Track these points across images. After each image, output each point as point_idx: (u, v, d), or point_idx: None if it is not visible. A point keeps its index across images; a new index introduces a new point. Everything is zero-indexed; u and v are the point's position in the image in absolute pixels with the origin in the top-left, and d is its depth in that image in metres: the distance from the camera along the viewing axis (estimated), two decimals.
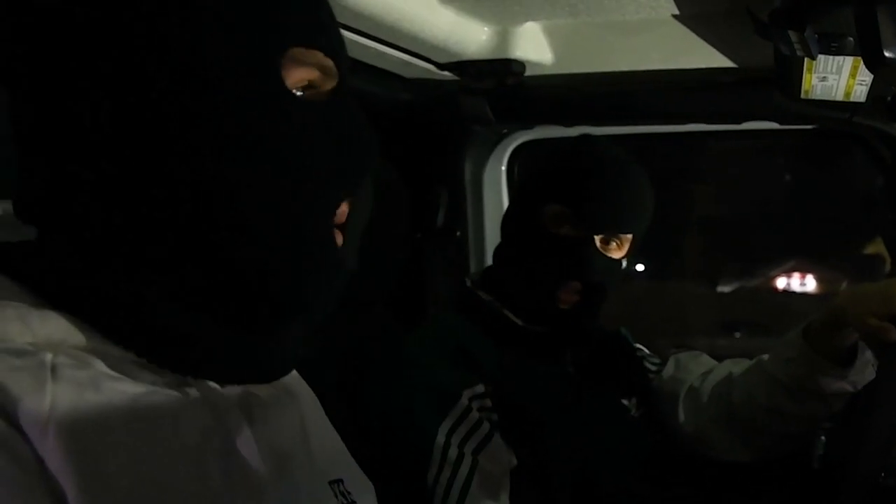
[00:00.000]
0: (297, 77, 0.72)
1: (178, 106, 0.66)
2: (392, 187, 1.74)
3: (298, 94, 0.72)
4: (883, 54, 1.06)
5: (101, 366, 0.66)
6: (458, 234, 2.12)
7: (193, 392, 0.70)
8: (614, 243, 1.52)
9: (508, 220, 1.62)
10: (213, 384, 0.72)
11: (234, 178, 0.68)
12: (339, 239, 0.77)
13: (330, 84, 0.75)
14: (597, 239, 1.50)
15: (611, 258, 1.52)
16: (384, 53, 1.66)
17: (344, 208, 0.77)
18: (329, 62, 0.74)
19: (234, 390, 0.75)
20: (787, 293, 4.27)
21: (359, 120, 0.77)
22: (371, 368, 1.53)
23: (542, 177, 1.57)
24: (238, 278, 0.71)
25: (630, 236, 1.53)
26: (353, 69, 1.71)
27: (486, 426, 1.41)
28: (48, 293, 0.67)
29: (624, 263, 1.55)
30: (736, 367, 1.63)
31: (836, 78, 1.49)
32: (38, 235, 0.70)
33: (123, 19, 0.66)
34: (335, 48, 0.74)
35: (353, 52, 1.62)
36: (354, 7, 1.41)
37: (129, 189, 0.67)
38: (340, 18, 1.44)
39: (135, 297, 0.68)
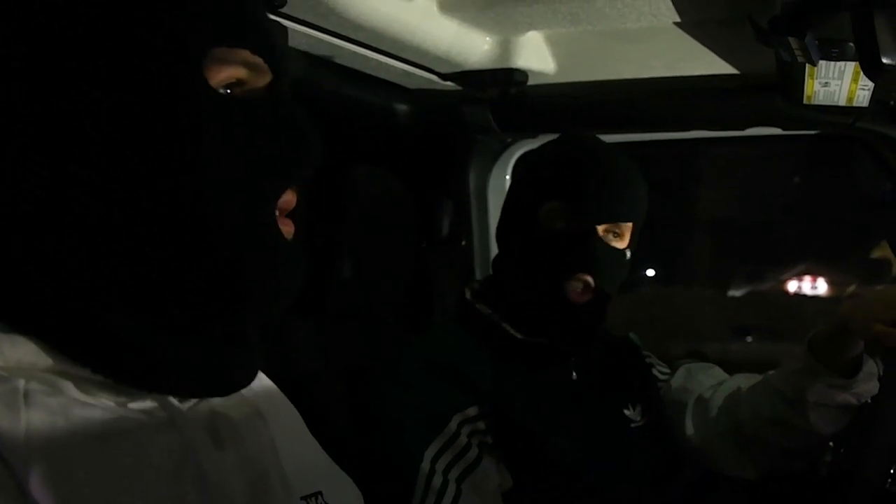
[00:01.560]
0: (224, 76, 0.73)
1: (140, 105, 0.68)
2: (397, 198, 1.75)
3: (225, 91, 0.73)
4: (881, 61, 1.06)
5: (70, 390, 0.67)
6: (463, 243, 2.12)
7: (160, 414, 0.71)
8: (615, 234, 1.52)
9: (504, 230, 1.61)
10: (179, 405, 0.73)
11: (175, 174, 0.70)
12: (289, 229, 0.78)
13: (263, 80, 0.77)
14: (598, 230, 1.49)
15: (616, 248, 1.51)
16: (386, 64, 1.67)
17: (290, 197, 0.79)
18: (257, 59, 0.75)
19: (201, 412, 0.75)
20: (798, 296, 4.25)
21: (295, 114, 0.78)
22: (369, 384, 1.53)
23: (533, 177, 1.58)
24: (194, 273, 0.72)
25: (629, 225, 1.53)
26: (356, 80, 1.73)
27: (473, 452, 1.41)
28: (15, 318, 0.68)
29: (628, 254, 1.54)
30: (746, 381, 1.62)
31: (839, 83, 1.48)
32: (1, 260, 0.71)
33: (82, 17, 0.68)
34: (263, 45, 0.75)
35: (355, 64, 1.66)
36: (356, 19, 1.42)
37: (124, 188, 0.69)
38: (342, 30, 1.47)
39: (94, 313, 0.69)
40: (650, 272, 4.27)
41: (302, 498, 0.86)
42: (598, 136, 1.61)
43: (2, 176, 0.68)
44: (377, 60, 1.64)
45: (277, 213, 0.77)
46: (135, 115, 0.68)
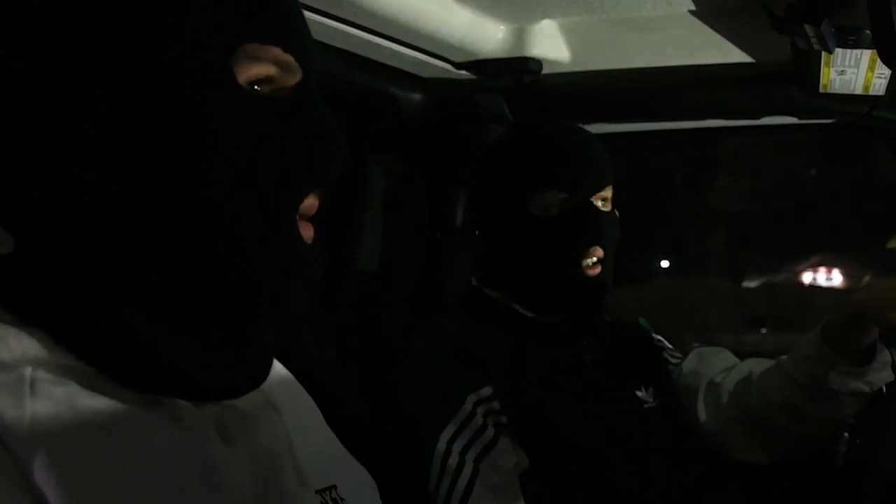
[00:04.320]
0: (253, 73, 0.72)
1: (143, 105, 0.67)
2: (411, 187, 1.75)
3: (254, 89, 0.72)
4: None
5: (75, 384, 0.66)
6: (476, 233, 2.12)
7: (166, 411, 0.70)
8: (603, 201, 1.54)
9: (493, 227, 1.60)
10: (185, 403, 0.72)
11: (194, 173, 0.69)
12: (310, 233, 0.77)
13: (293, 80, 0.76)
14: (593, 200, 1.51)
15: (611, 213, 1.54)
16: (400, 53, 1.67)
17: (313, 201, 0.77)
18: (288, 58, 0.74)
19: (208, 407, 0.74)
20: (813, 288, 4.23)
21: (323, 115, 0.77)
22: (381, 369, 1.53)
23: (506, 175, 1.56)
24: (205, 276, 0.71)
25: (611, 188, 1.55)
26: (370, 69, 1.73)
27: (490, 432, 1.41)
28: (23, 310, 0.67)
29: (617, 214, 1.57)
30: (757, 366, 1.61)
31: (855, 71, 1.47)
32: (16, 247, 0.70)
33: (83, 17, 0.67)
34: (295, 44, 0.75)
35: (369, 53, 1.66)
36: (370, 7, 1.42)
37: (124, 188, 0.68)
38: (356, 18, 1.47)
39: (104, 315, 0.68)
40: (664, 263, 4.26)
41: (317, 491, 0.85)
42: (544, 118, 1.61)
43: (2, 176, 0.68)
44: (391, 49, 1.64)
45: (298, 216, 0.76)
46: (142, 113, 0.67)
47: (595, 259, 1.51)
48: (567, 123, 1.58)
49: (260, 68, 0.72)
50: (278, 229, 0.74)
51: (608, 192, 1.54)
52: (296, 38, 0.75)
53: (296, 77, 0.76)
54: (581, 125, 1.61)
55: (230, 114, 0.70)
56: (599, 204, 1.52)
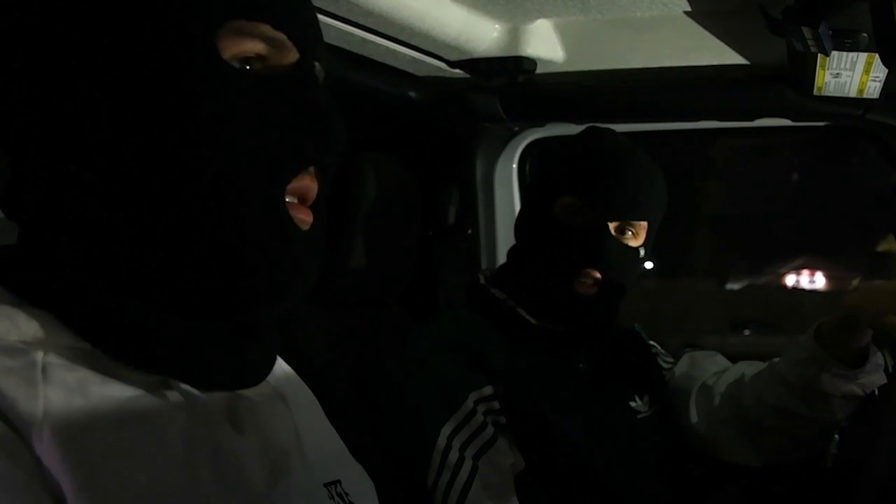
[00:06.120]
0: (239, 49, 0.71)
1: (134, 91, 0.67)
2: (403, 186, 1.74)
3: (244, 67, 0.71)
4: None
5: (86, 367, 0.66)
6: (469, 232, 2.12)
7: (177, 397, 0.70)
8: (629, 232, 1.51)
9: (522, 220, 1.61)
10: (194, 390, 0.72)
11: (183, 151, 0.68)
12: (305, 218, 0.76)
13: (287, 58, 0.75)
14: (611, 226, 1.49)
15: (627, 245, 1.50)
16: (395, 51, 1.66)
17: (309, 183, 0.76)
18: (279, 35, 0.73)
19: (219, 396, 0.74)
20: (797, 291, 4.25)
21: (317, 94, 0.76)
22: (380, 366, 1.52)
23: (551, 172, 1.57)
24: (197, 260, 0.71)
25: (644, 224, 1.52)
26: (364, 67, 1.72)
27: (489, 430, 1.41)
28: (31, 294, 0.67)
29: (642, 252, 1.53)
30: (750, 368, 1.62)
31: (850, 74, 1.48)
32: (21, 235, 0.70)
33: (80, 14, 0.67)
34: (288, 21, 0.73)
35: (363, 50, 1.65)
36: (365, 5, 1.41)
37: (122, 183, 0.68)
38: (350, 16, 1.46)
39: (110, 298, 0.69)
40: (649, 265, 4.26)
41: (324, 485, 0.85)
42: (616, 131, 1.60)
43: (2, 173, 0.68)
44: (385, 47, 1.64)
45: (296, 200, 0.75)
46: (135, 100, 0.68)
47: (590, 280, 1.49)
48: (632, 148, 1.55)
49: (247, 45, 0.72)
50: (263, 209, 0.72)
51: (638, 228, 1.52)
52: (289, 15, 0.74)
53: (290, 56, 0.75)
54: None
55: (212, 90, 0.69)
56: (628, 234, 1.51)
